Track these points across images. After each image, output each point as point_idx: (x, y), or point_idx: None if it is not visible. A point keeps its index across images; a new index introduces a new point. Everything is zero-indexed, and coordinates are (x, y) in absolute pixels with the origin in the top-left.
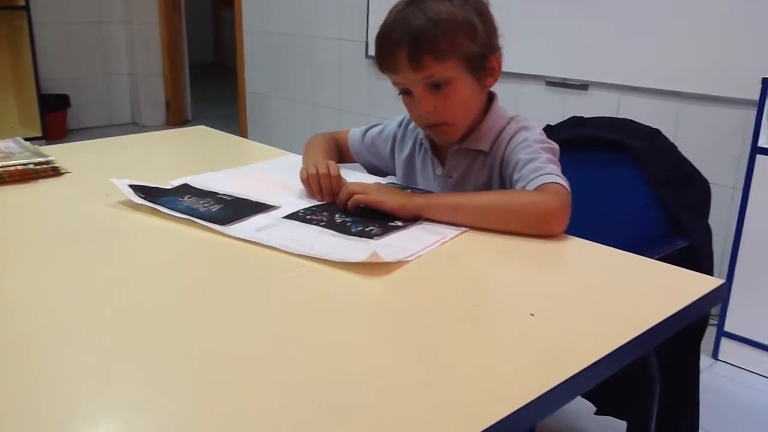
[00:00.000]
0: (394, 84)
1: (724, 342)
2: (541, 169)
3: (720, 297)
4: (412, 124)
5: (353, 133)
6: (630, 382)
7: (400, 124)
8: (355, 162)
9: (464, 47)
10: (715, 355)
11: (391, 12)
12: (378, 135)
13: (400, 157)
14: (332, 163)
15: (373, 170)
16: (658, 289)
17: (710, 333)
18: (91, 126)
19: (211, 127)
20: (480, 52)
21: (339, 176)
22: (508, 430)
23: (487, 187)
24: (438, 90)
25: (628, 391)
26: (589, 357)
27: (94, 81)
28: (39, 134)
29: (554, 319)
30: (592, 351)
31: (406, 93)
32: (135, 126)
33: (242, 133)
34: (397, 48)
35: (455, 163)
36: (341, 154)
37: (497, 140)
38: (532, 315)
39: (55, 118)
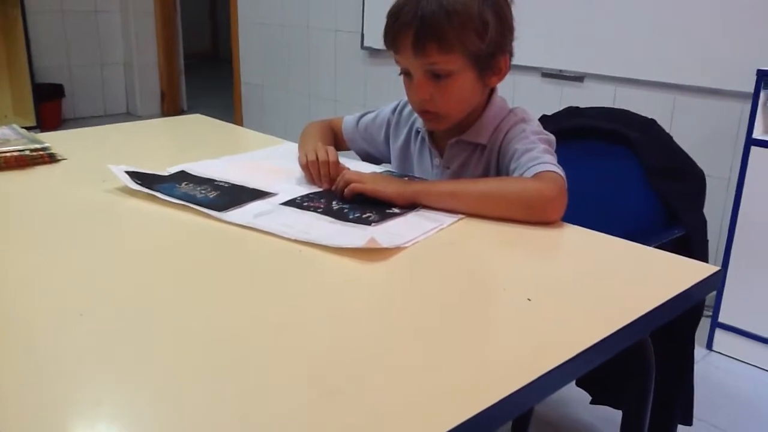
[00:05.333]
0: (396, 63)
1: (719, 333)
2: (538, 159)
3: (715, 284)
4: (407, 111)
5: (347, 120)
6: (625, 372)
7: (394, 110)
8: (350, 149)
9: (471, 44)
10: (709, 346)
11: None
12: (372, 122)
13: (395, 145)
14: (331, 149)
15: (367, 158)
16: (653, 276)
17: (704, 324)
18: (86, 116)
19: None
20: (488, 51)
21: (338, 162)
22: (505, 413)
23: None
24: (437, 80)
25: (623, 381)
26: (585, 341)
27: (88, 70)
28: (33, 123)
29: (550, 304)
30: (588, 336)
31: (406, 74)
32: (130, 116)
33: (237, 123)
34: (404, 29)
35: (453, 155)
36: (336, 141)
37: (495, 132)
38: (529, 300)
39: (50, 108)
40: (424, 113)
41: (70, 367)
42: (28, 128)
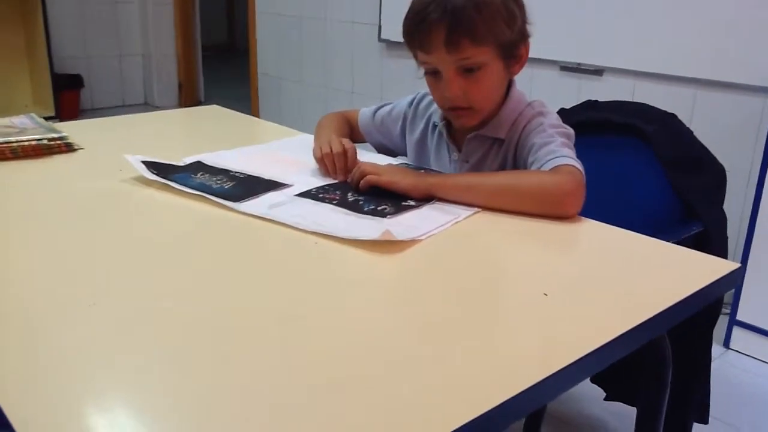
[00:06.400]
0: (422, 63)
1: (736, 331)
2: (556, 152)
3: (735, 281)
4: (423, 104)
5: (363, 113)
6: (641, 369)
7: (411, 103)
8: (365, 142)
9: (501, 33)
10: (726, 344)
11: None
12: (388, 114)
13: (412, 138)
14: (347, 141)
15: (383, 150)
16: (672, 272)
17: (722, 322)
18: (104, 106)
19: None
20: (514, 40)
21: (354, 154)
22: (518, 410)
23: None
24: (469, 74)
25: (638, 378)
26: (601, 338)
27: (107, 61)
28: (52, 113)
29: (567, 299)
30: (605, 332)
31: (432, 73)
32: (148, 106)
33: (254, 115)
34: (434, 27)
35: (472, 149)
36: (352, 133)
37: (513, 126)
38: (545, 295)
39: (69, 98)
40: (455, 110)
41: (81, 357)
42: (47, 118)
